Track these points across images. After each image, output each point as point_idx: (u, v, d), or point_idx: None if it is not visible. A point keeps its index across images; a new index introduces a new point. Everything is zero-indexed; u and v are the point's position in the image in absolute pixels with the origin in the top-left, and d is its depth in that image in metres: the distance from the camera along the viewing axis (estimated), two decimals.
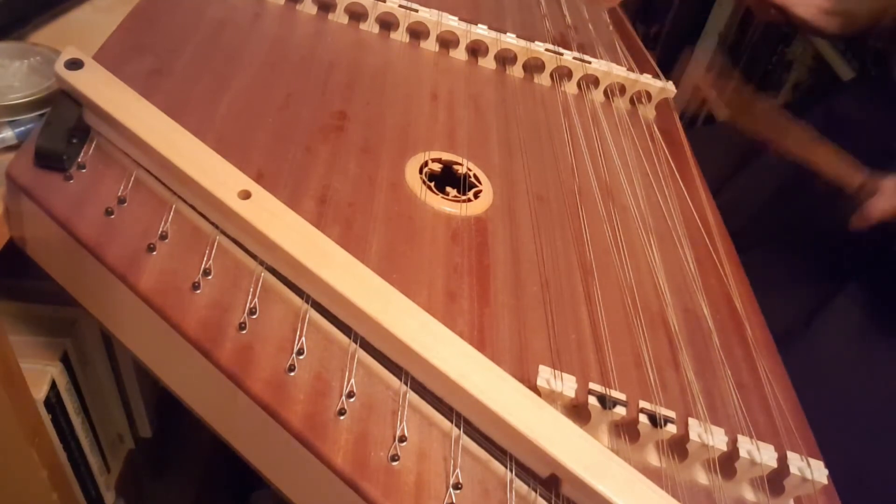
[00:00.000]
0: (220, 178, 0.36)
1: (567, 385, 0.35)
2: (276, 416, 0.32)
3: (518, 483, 0.32)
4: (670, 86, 0.64)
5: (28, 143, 0.39)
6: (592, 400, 0.35)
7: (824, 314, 0.58)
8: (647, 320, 0.43)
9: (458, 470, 0.31)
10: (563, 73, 0.62)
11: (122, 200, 0.37)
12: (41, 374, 0.45)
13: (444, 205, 0.45)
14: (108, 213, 0.37)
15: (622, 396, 0.36)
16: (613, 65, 0.63)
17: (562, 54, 0.61)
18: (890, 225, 0.49)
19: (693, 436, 0.35)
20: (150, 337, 0.37)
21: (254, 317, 0.35)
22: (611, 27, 0.76)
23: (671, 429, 0.35)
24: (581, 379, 0.36)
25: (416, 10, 0.59)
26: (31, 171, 0.37)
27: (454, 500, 0.31)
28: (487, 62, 0.61)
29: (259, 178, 0.38)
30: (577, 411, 0.36)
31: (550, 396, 0.35)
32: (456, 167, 0.49)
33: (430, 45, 0.60)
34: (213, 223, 0.37)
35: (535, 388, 0.35)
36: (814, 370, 0.53)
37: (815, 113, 0.72)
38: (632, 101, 0.64)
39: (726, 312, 0.47)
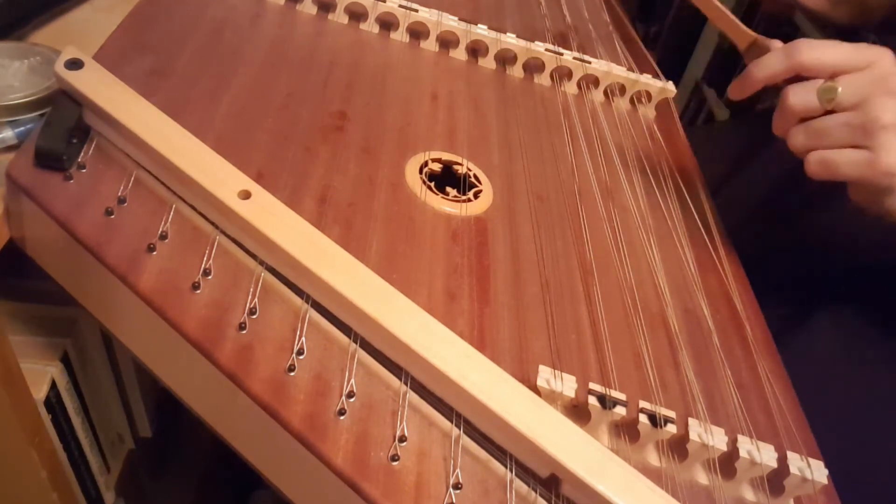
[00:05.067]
0: (220, 178, 0.36)
1: (567, 385, 0.35)
2: (276, 417, 0.32)
3: (518, 483, 0.32)
4: (670, 86, 0.64)
5: (28, 143, 0.39)
6: (592, 400, 0.35)
7: (822, 312, 0.58)
8: (647, 320, 0.43)
9: (458, 470, 0.31)
10: (563, 73, 0.62)
11: (122, 200, 0.37)
12: (41, 374, 0.45)
13: (444, 205, 0.45)
14: (108, 213, 0.37)
15: (622, 396, 0.36)
16: (613, 65, 0.63)
17: (562, 54, 0.61)
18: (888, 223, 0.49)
19: (693, 436, 0.35)
20: (150, 337, 0.37)
21: (254, 317, 0.35)
22: (611, 27, 0.76)
23: (671, 429, 0.35)
24: (581, 379, 0.36)
25: (416, 10, 0.59)
26: (31, 171, 0.37)
27: (454, 500, 0.31)
28: (487, 62, 0.61)
29: (259, 178, 0.38)
30: (577, 411, 0.36)
31: (550, 396, 0.35)
32: (456, 167, 0.49)
33: (430, 45, 0.60)
34: (213, 223, 0.37)
35: (535, 388, 0.35)
36: (812, 369, 0.53)
37: None
38: (632, 101, 0.64)
39: (726, 312, 0.47)
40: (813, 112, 0.43)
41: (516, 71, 0.62)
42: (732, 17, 0.53)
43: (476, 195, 0.47)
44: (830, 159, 0.43)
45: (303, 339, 0.34)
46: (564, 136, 0.56)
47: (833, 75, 0.43)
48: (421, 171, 0.47)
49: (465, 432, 0.33)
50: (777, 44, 0.48)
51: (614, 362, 0.39)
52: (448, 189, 0.47)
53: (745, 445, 0.36)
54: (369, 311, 0.33)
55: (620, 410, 0.35)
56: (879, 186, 0.42)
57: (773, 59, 0.45)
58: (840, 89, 0.42)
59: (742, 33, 0.51)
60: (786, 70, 0.45)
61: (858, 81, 0.42)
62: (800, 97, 0.44)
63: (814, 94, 0.43)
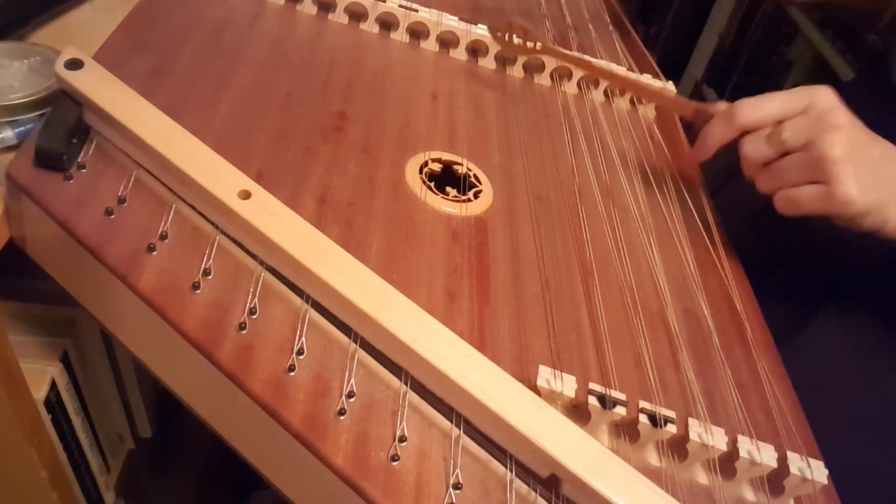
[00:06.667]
0: (220, 178, 0.36)
1: (567, 385, 0.35)
2: (276, 417, 0.32)
3: (518, 483, 0.32)
4: (670, 86, 0.63)
5: (28, 143, 0.39)
6: (592, 400, 0.35)
7: (822, 313, 0.58)
8: (647, 320, 0.43)
9: (458, 470, 0.31)
10: (563, 73, 0.62)
11: (122, 200, 0.37)
12: (41, 374, 0.45)
13: (444, 205, 0.45)
14: (108, 213, 0.37)
15: (622, 396, 0.36)
16: (613, 65, 0.63)
17: None
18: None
19: (693, 436, 0.35)
20: (150, 337, 0.37)
21: (254, 317, 0.35)
22: (611, 27, 0.76)
23: (671, 429, 0.35)
24: (581, 379, 0.36)
25: (416, 10, 0.59)
26: (31, 171, 0.37)
27: (454, 500, 0.31)
28: (487, 62, 0.61)
29: (259, 178, 0.38)
30: (577, 411, 0.36)
31: (550, 396, 0.35)
32: (456, 167, 0.49)
33: (430, 45, 0.60)
34: (213, 223, 0.37)
35: (535, 388, 0.35)
36: (812, 370, 0.53)
37: None
38: (632, 102, 0.64)
39: (726, 312, 0.47)
40: (769, 157, 0.46)
41: (516, 71, 0.62)
42: (673, 98, 0.58)
43: (476, 195, 0.47)
44: (792, 196, 0.45)
45: (303, 339, 0.34)
46: (564, 137, 0.56)
47: (778, 123, 0.46)
48: (421, 171, 0.47)
49: (465, 432, 0.33)
50: (721, 106, 0.50)
51: (614, 362, 0.39)
52: (448, 189, 0.47)
53: (745, 445, 0.36)
54: (369, 311, 0.33)
55: (620, 410, 0.35)
56: (845, 215, 0.44)
57: (717, 127, 0.48)
58: (785, 135, 0.45)
59: (685, 105, 0.55)
60: (730, 134, 0.48)
61: (800, 124, 0.45)
62: (753, 147, 0.47)
63: (764, 142, 0.46)
